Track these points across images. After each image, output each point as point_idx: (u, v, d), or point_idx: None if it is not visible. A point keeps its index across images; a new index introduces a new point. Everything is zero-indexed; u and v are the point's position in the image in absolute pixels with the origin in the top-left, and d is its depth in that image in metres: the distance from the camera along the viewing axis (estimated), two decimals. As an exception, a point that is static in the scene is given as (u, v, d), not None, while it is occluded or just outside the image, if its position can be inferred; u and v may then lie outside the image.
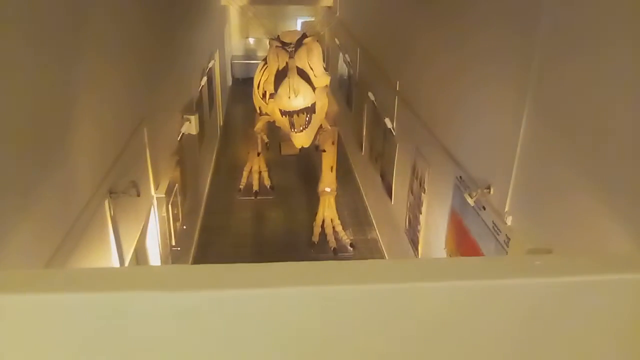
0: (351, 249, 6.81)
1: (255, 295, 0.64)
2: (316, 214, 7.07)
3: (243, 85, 13.29)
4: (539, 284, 0.65)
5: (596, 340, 0.68)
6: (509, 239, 3.03)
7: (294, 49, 5.17)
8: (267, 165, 8.38)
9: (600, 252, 2.07)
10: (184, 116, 5.88)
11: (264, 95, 6.44)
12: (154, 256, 4.64)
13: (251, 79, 7.48)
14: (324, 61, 5.68)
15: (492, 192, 3.30)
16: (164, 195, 4.58)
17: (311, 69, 5.25)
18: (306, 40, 5.31)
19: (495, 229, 3.21)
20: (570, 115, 2.48)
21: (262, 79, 6.51)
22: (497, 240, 3.18)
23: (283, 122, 5.76)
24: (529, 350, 0.69)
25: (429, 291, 0.65)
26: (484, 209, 3.37)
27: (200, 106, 7.18)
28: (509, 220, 3.07)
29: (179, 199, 5.33)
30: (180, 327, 0.64)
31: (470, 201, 3.44)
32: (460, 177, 3.80)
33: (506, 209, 3.10)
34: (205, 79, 7.71)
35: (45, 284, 0.63)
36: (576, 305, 0.66)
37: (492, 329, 0.67)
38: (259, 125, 7.18)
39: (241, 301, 0.64)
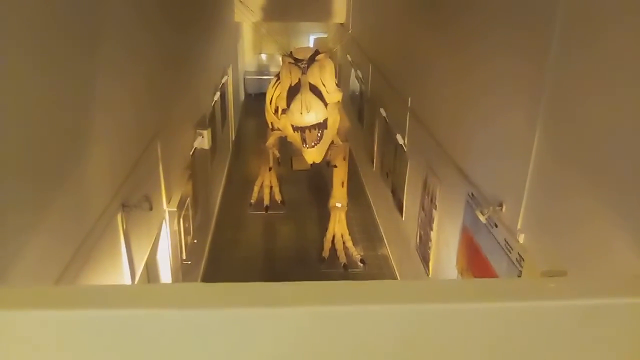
0: (361, 264, 6.77)
1: (266, 315, 0.64)
2: (327, 229, 7.05)
3: (255, 100, 13.40)
4: (553, 307, 0.65)
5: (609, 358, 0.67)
6: (521, 257, 3.00)
7: (306, 65, 5.22)
8: (279, 180, 8.41)
9: (615, 274, 2.04)
10: (197, 131, 5.93)
11: (276, 110, 6.48)
12: (165, 270, 4.65)
13: (263, 95, 7.55)
14: (336, 77, 5.72)
15: (504, 209, 3.28)
16: (175, 209, 4.60)
17: (323, 85, 5.29)
18: (319, 56, 5.36)
19: (508, 246, 3.18)
20: (585, 133, 2.47)
21: (275, 95, 6.57)
22: (509, 258, 3.15)
23: (295, 137, 5.79)
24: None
25: (442, 313, 0.65)
26: (496, 226, 3.35)
27: (212, 121, 7.25)
28: (522, 238, 3.04)
29: (190, 212, 5.35)
30: (190, 345, 0.64)
31: (482, 218, 3.42)
32: (472, 194, 3.79)
33: (519, 227, 3.07)
34: (218, 94, 7.79)
35: (55, 300, 0.64)
36: (590, 328, 0.65)
37: (504, 351, 0.66)
38: (271, 140, 7.22)
39: (252, 320, 0.64)
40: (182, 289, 0.70)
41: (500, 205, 3.30)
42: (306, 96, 4.98)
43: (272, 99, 6.76)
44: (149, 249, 4.02)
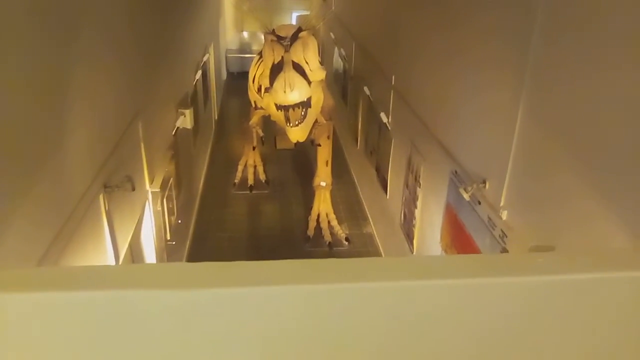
0: (346, 243, 6.82)
1: (252, 294, 0.63)
2: (311, 208, 7.06)
3: (238, 79, 13.24)
4: (542, 282, 0.65)
5: (598, 337, 0.68)
6: (504, 233, 3.04)
7: (289, 43, 5.14)
8: (262, 159, 8.37)
9: (599, 249, 2.08)
10: (179, 110, 5.85)
11: (259, 89, 6.41)
12: (149, 251, 4.63)
13: (246, 73, 7.45)
14: (319, 55, 5.66)
15: (487, 186, 3.31)
16: (158, 190, 4.56)
17: (307, 63, 5.23)
18: (302, 34, 5.28)
19: (491, 223, 3.22)
20: (567, 107, 2.49)
21: (258, 73, 6.49)
22: (492, 235, 3.19)
23: (278, 116, 5.74)
24: (531, 348, 0.69)
25: (432, 289, 0.65)
26: (479, 203, 3.38)
27: (195, 100, 7.15)
28: (504, 215, 3.07)
29: (173, 193, 5.31)
30: (177, 325, 0.63)
31: (466, 196, 3.45)
32: (456, 171, 3.81)
33: (502, 204, 3.10)
34: (200, 72, 7.67)
35: (41, 282, 0.62)
36: (578, 302, 0.66)
37: (493, 327, 0.66)
38: (254, 119, 7.16)
39: (238, 299, 0.63)
40: (167, 269, 0.69)
41: (484, 182, 3.32)
42: (289, 74, 4.92)
43: (254, 77, 6.67)
44: (133, 230, 3.99)
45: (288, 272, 0.67)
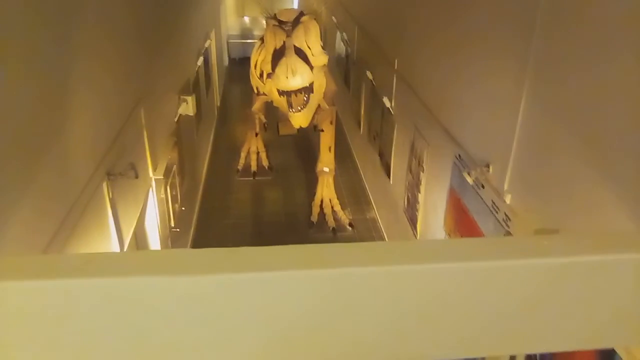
0: (350, 228, 6.83)
1: (255, 279, 0.63)
2: (315, 193, 7.07)
3: (240, 65, 13.18)
4: (548, 264, 0.65)
5: (602, 319, 0.68)
6: (508, 217, 3.04)
7: (291, 27, 5.11)
8: (265, 145, 8.35)
9: (604, 231, 2.07)
10: (181, 97, 5.83)
11: (261, 75, 6.38)
12: (154, 238, 4.65)
13: (248, 59, 7.40)
14: (321, 40, 5.62)
15: (491, 170, 3.30)
16: (162, 177, 4.57)
17: (309, 47, 5.20)
18: (303, 18, 5.25)
19: (494, 207, 3.21)
20: (572, 91, 2.46)
21: (259, 59, 6.45)
22: (496, 218, 3.18)
23: (281, 102, 5.72)
24: (534, 331, 0.68)
25: (435, 273, 0.65)
26: (483, 187, 3.37)
27: (197, 87, 7.13)
28: (508, 199, 3.07)
29: (177, 180, 5.32)
30: (181, 312, 0.63)
31: (469, 180, 3.44)
32: (459, 155, 3.80)
33: (505, 188, 3.10)
34: (201, 59, 7.63)
35: (44, 270, 0.62)
36: (583, 285, 0.66)
37: (500, 310, 0.66)
38: (257, 105, 7.14)
39: (243, 285, 0.63)
40: (169, 255, 0.69)
41: (487, 166, 3.31)
42: (291, 59, 4.90)
43: (256, 63, 6.64)
44: (137, 218, 4.01)
45: (292, 257, 0.67)
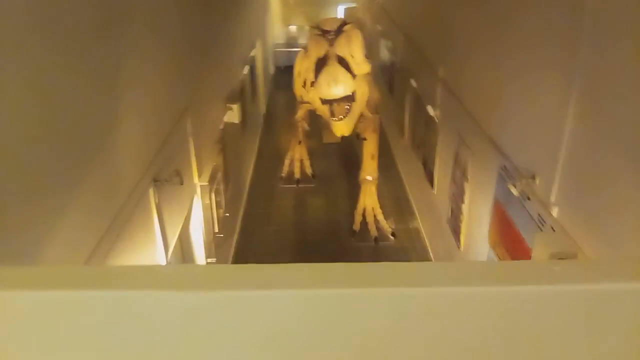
0: (392, 237, 6.76)
1: (259, 297, 0.64)
2: (357, 202, 7.04)
3: (285, 73, 13.32)
4: (556, 291, 0.62)
5: (607, 349, 0.65)
6: (554, 231, 2.93)
7: (334, 36, 5.14)
8: (309, 153, 8.40)
9: (628, 257, 1.97)
10: (227, 105, 5.95)
11: (305, 83, 6.44)
12: (198, 243, 4.75)
13: (293, 67, 7.49)
14: (364, 48, 5.62)
15: (537, 181, 3.20)
16: (207, 183, 4.67)
17: (352, 56, 5.21)
18: (346, 27, 5.27)
19: (541, 220, 3.11)
20: (621, 99, 2.36)
21: (303, 67, 6.51)
22: (542, 232, 3.08)
23: (323, 110, 5.75)
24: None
25: (430, 296, 0.64)
26: (529, 199, 3.27)
27: (242, 95, 7.26)
28: (555, 212, 2.96)
29: (222, 186, 5.42)
30: (183, 327, 0.64)
31: (515, 191, 3.35)
32: (505, 166, 3.70)
33: (552, 200, 2.99)
34: (247, 67, 7.77)
35: (52, 281, 0.64)
36: (594, 314, 0.63)
37: (501, 336, 0.64)
38: (300, 113, 7.20)
39: (245, 302, 0.64)
40: (174, 271, 0.70)
41: (533, 177, 3.21)
42: (333, 68, 4.92)
43: (300, 71, 6.71)
44: (182, 223, 4.10)
45: (295, 276, 0.67)
